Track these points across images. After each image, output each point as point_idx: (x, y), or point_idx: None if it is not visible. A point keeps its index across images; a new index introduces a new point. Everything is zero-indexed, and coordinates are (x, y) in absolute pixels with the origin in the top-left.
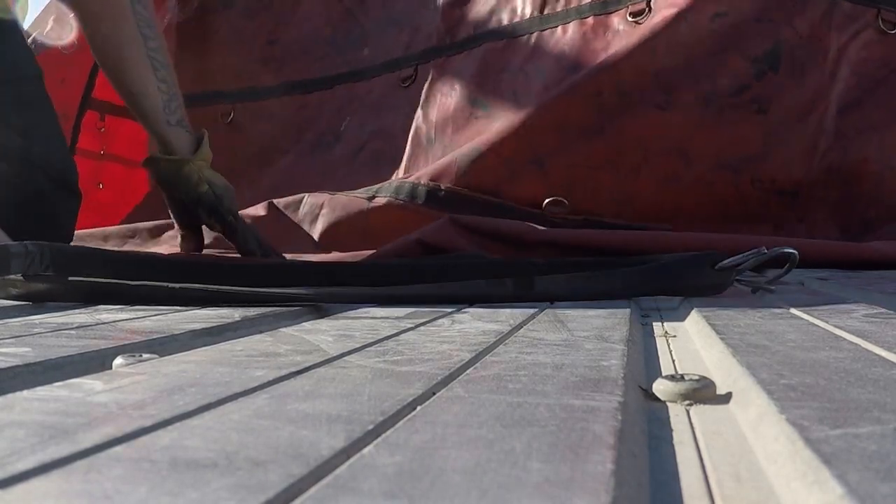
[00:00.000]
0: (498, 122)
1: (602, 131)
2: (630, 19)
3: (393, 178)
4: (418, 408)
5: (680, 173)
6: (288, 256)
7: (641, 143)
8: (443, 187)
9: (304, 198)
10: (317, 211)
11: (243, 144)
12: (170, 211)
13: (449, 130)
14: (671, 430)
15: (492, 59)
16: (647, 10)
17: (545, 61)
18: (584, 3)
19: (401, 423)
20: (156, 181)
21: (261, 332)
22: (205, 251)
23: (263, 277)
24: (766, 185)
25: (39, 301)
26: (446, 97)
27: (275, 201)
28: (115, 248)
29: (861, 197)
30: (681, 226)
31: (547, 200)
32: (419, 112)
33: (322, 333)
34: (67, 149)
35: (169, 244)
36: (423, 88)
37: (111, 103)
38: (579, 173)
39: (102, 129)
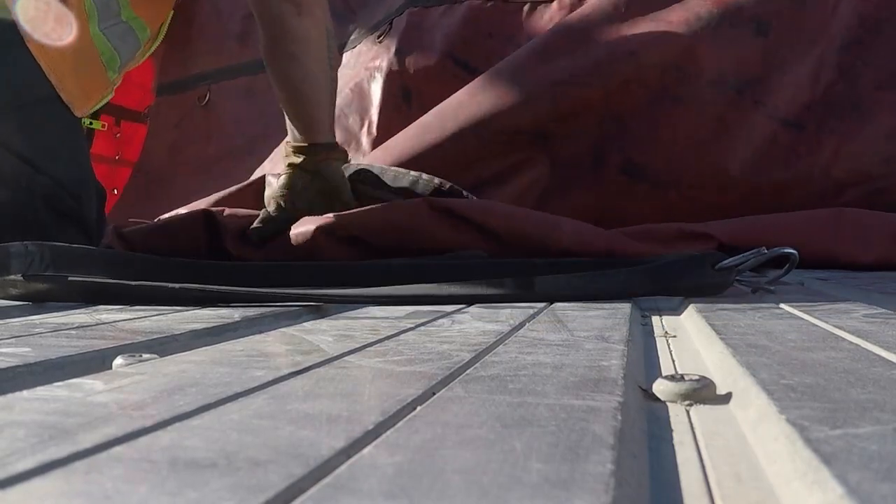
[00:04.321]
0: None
1: (588, 42)
2: None
3: (364, 131)
4: (418, 408)
5: (676, 90)
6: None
7: (633, 55)
8: (445, 187)
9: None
10: None
11: (220, 127)
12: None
13: (431, 86)
14: (671, 430)
15: (476, 20)
16: None
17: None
18: None
19: (401, 423)
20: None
21: (261, 332)
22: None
23: (263, 277)
24: (769, 111)
25: (39, 301)
26: (426, 49)
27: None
28: (114, 249)
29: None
30: (683, 151)
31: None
32: (393, 59)
33: (322, 333)
34: (85, 177)
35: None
36: (397, 37)
37: (126, 108)
38: (567, 91)
39: (118, 135)
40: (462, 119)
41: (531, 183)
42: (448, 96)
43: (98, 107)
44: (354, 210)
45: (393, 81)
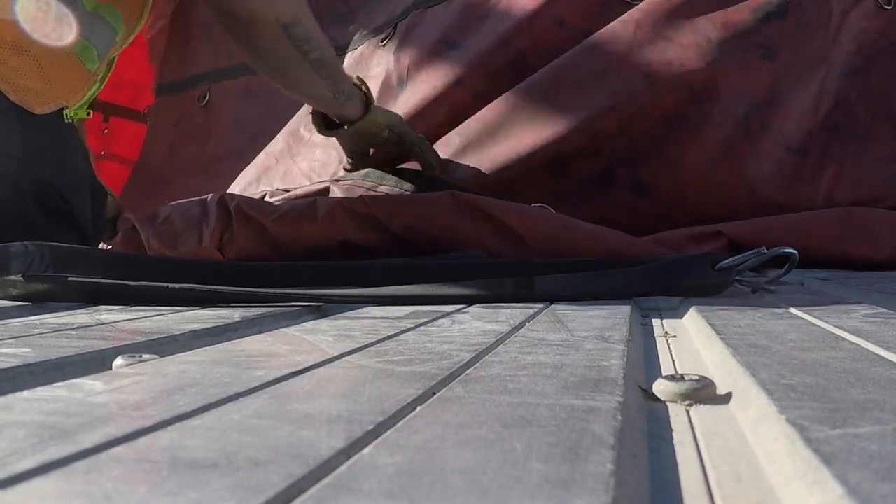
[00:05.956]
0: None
1: (605, 70)
2: None
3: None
4: (418, 408)
5: (688, 112)
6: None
7: (648, 79)
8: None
9: (266, 193)
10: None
11: (220, 127)
12: (347, 160)
13: (422, 72)
14: (671, 430)
15: (472, 7)
16: None
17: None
18: None
19: (401, 423)
20: (344, 146)
21: (261, 332)
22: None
23: (263, 277)
24: (775, 136)
25: (39, 301)
26: (422, 41)
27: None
28: (114, 249)
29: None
30: (691, 172)
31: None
32: (391, 57)
33: (322, 333)
34: (78, 178)
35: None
36: (398, 41)
37: (116, 105)
38: (587, 121)
39: (105, 131)
40: (485, 159)
41: (540, 197)
42: (437, 75)
43: (87, 97)
44: (380, 194)
45: (389, 76)
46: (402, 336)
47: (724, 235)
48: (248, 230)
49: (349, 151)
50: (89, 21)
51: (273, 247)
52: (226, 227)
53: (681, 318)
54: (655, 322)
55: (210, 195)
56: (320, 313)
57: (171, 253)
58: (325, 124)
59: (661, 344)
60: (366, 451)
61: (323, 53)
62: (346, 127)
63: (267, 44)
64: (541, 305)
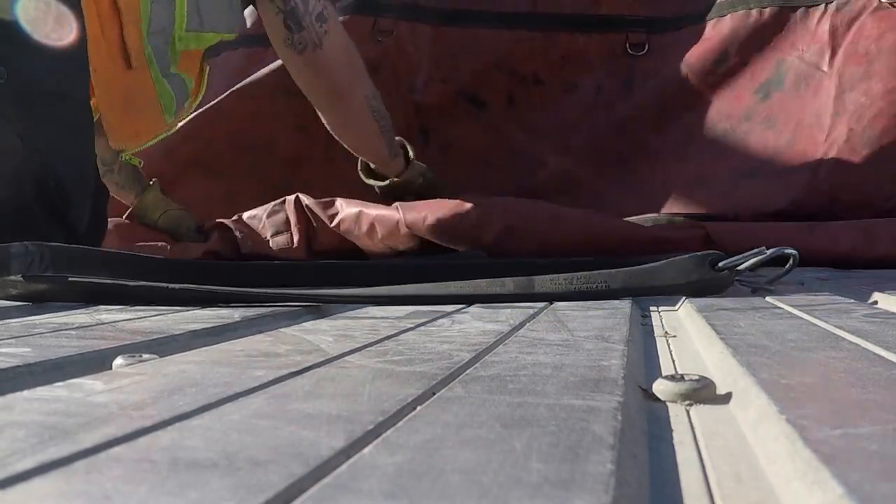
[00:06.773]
0: None
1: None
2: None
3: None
4: (418, 408)
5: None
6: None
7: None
8: None
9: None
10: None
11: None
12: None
13: (444, 123)
14: (671, 430)
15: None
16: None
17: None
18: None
19: (401, 423)
20: (381, 191)
21: (261, 332)
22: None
23: (264, 277)
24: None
25: (39, 301)
26: (437, 83)
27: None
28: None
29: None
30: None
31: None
32: (405, 92)
33: (322, 333)
34: (83, 179)
35: None
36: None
37: None
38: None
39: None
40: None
41: None
42: (461, 134)
43: (148, 144)
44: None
45: (409, 115)
46: (402, 336)
47: (703, 230)
48: (326, 230)
49: (385, 196)
50: (178, 81)
51: (351, 245)
52: (307, 227)
53: (681, 318)
54: (655, 322)
55: (287, 198)
56: (320, 313)
57: (267, 252)
58: (368, 174)
59: (661, 344)
60: (366, 450)
61: (388, 122)
62: (393, 179)
63: (356, 113)
64: (541, 305)
